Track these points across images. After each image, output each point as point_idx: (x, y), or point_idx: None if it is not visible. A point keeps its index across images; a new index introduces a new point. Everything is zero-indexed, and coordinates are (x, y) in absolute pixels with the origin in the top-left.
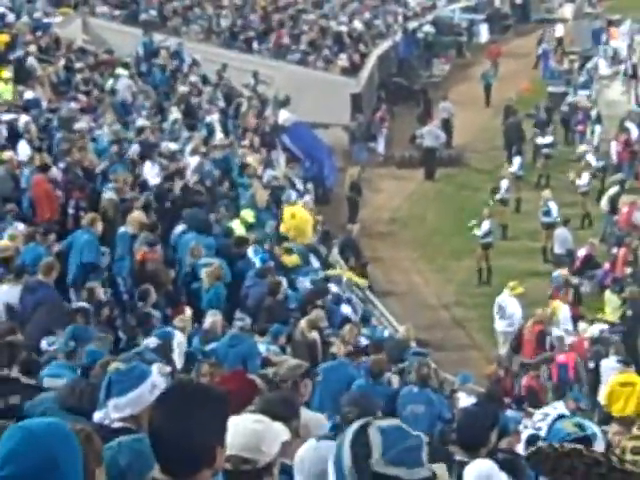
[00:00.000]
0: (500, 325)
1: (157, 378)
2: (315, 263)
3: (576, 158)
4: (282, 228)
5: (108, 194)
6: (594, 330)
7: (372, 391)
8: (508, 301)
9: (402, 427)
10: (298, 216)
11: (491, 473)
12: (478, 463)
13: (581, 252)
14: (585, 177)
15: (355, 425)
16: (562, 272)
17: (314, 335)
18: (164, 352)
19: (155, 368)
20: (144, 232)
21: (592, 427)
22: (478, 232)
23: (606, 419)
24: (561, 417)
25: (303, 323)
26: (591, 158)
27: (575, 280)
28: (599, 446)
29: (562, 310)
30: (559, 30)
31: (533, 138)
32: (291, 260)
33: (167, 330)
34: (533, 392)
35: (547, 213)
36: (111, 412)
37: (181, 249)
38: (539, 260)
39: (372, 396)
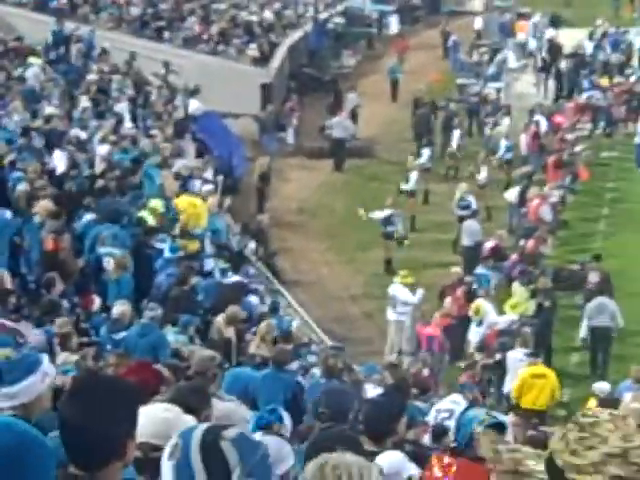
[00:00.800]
0: (392, 315)
1: (48, 367)
2: (209, 248)
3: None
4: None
5: (22, 186)
6: (504, 322)
7: (276, 380)
8: (399, 290)
9: (248, 436)
10: (189, 204)
11: (401, 464)
12: (388, 454)
13: (489, 244)
14: (484, 170)
15: (198, 436)
16: (456, 269)
17: (230, 332)
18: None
19: (46, 357)
20: (50, 220)
21: (500, 416)
22: (373, 215)
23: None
24: (468, 407)
25: (220, 320)
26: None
27: (469, 278)
28: (510, 435)
29: (485, 307)
30: (478, 22)
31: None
32: (192, 246)
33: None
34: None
35: (465, 207)
36: (1, 401)
37: (89, 238)
38: (447, 252)
39: (347, 395)
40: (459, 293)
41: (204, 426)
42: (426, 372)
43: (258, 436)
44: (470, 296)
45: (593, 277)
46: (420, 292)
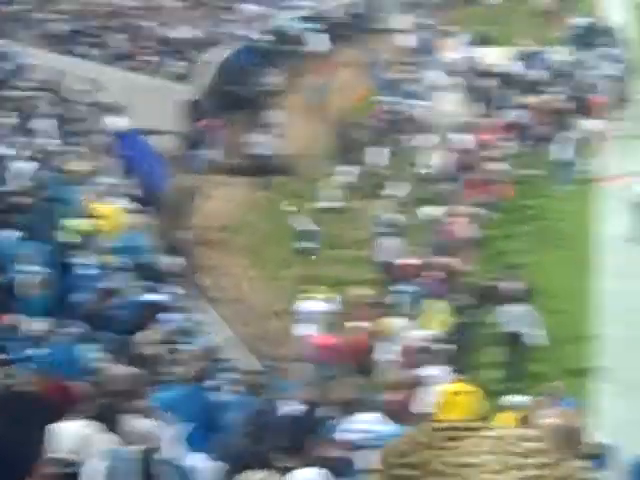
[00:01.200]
0: (302, 330)
1: None
2: (121, 264)
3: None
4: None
5: None
6: (419, 338)
7: (195, 396)
8: (311, 305)
9: (180, 458)
10: (114, 212)
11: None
12: (304, 471)
13: (408, 260)
14: (404, 187)
15: (136, 458)
16: (363, 289)
17: (156, 349)
18: None
19: None
20: None
21: None
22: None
23: None
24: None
25: (145, 337)
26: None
27: (380, 296)
28: None
29: (398, 324)
30: (403, 40)
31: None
32: (108, 261)
33: None
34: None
35: (385, 224)
36: None
37: (8, 255)
38: (367, 268)
39: (273, 414)
40: (369, 312)
41: (138, 448)
42: (353, 393)
43: (201, 459)
44: (381, 314)
45: (512, 285)
46: (332, 300)
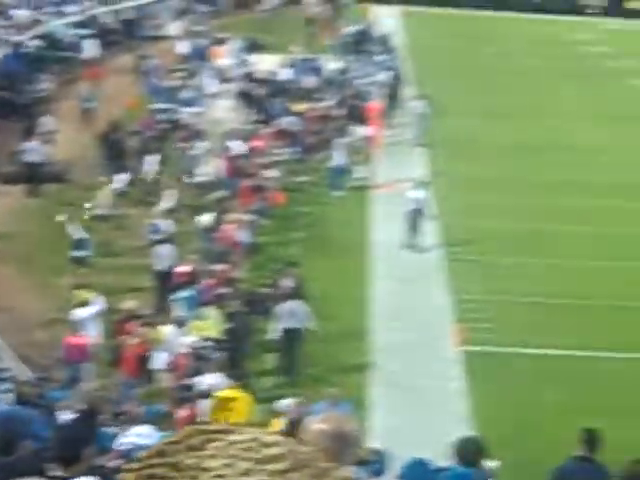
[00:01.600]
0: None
1: None
2: None
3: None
4: None
5: None
6: (189, 344)
7: None
8: (80, 312)
9: None
10: None
11: None
12: None
13: (182, 268)
14: (174, 194)
15: None
16: (128, 304)
17: None
18: None
19: None
20: None
21: None
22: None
23: None
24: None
25: None
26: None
27: (143, 310)
28: None
29: (168, 332)
30: (175, 46)
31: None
32: None
33: None
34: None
35: (156, 231)
36: None
37: None
38: (143, 277)
39: (19, 418)
40: (136, 323)
41: None
42: (130, 404)
43: None
44: (155, 323)
45: (287, 282)
46: (98, 300)
